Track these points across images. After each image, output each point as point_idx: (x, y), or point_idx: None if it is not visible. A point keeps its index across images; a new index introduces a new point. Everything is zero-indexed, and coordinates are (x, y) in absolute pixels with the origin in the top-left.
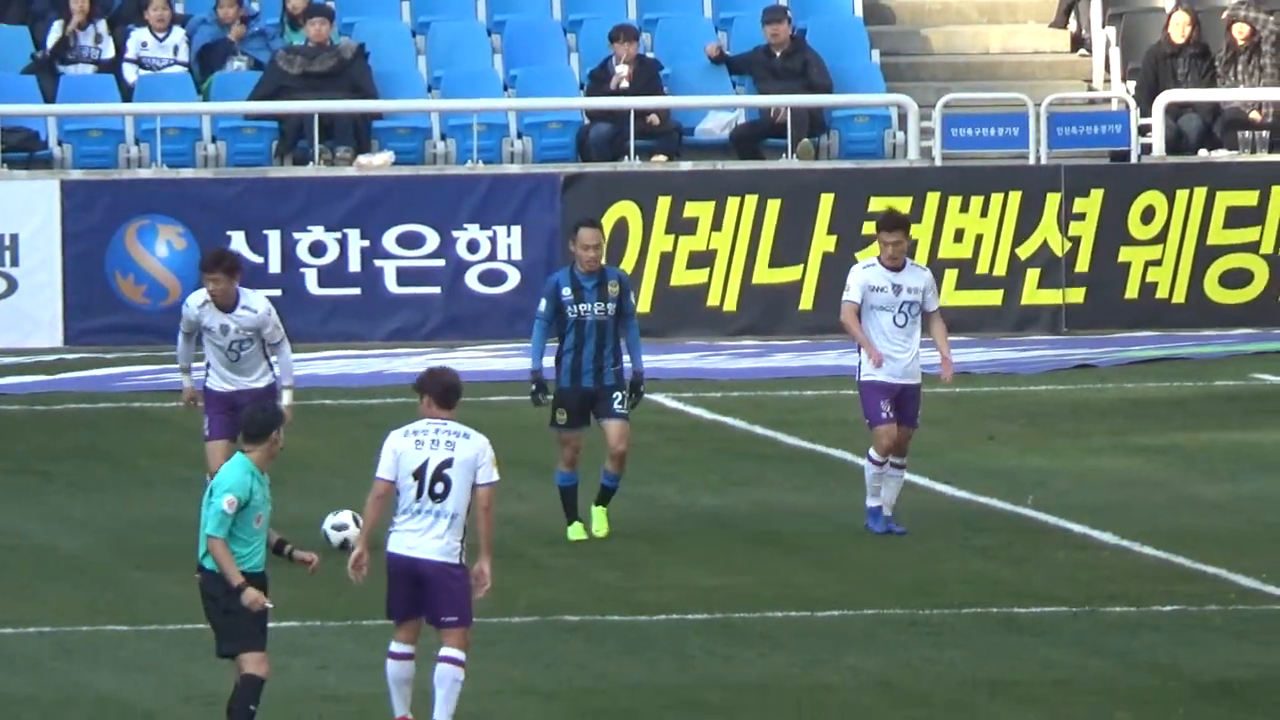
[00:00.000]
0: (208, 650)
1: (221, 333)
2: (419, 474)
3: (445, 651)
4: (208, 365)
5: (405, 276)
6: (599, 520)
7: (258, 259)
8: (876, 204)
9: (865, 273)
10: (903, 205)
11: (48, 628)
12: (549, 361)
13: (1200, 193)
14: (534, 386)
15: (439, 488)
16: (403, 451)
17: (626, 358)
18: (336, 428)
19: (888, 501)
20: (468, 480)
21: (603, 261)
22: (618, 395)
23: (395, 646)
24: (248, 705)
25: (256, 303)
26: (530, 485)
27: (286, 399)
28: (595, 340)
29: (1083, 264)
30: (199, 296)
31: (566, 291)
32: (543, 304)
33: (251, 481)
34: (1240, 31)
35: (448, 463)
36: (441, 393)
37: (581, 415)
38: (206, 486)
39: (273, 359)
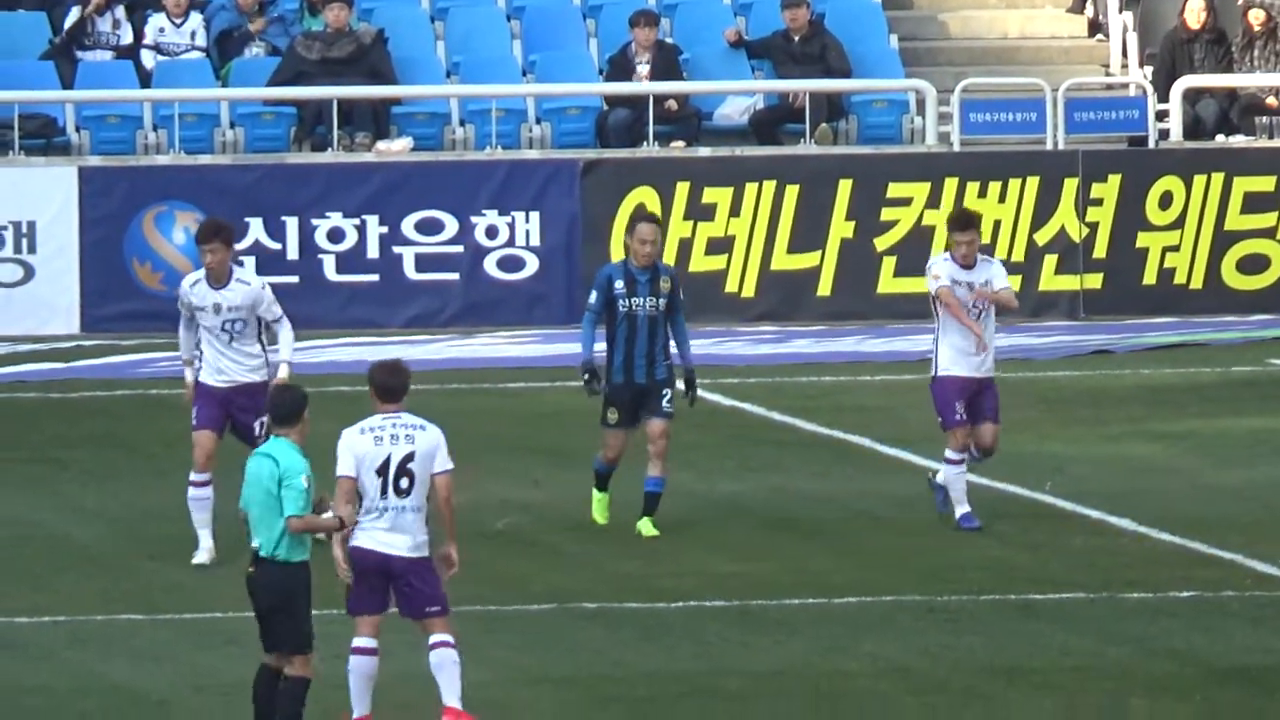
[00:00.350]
0: (223, 639)
1: (214, 312)
2: (382, 470)
3: (437, 638)
4: (202, 359)
5: (424, 263)
6: (646, 528)
7: (276, 245)
8: (895, 189)
9: (946, 265)
10: (920, 190)
11: (61, 617)
12: (598, 347)
13: (1218, 178)
14: (586, 375)
15: (404, 483)
16: (362, 450)
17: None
18: (354, 415)
19: (962, 492)
20: (429, 472)
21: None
22: (667, 393)
23: (362, 642)
24: (299, 706)
25: (251, 277)
26: (547, 472)
27: (283, 373)
28: (646, 335)
29: (1100, 250)
30: (192, 276)
31: (619, 285)
32: (593, 296)
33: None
34: (1256, 17)
35: (410, 456)
36: (389, 387)
37: (633, 414)
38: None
39: (270, 346)
